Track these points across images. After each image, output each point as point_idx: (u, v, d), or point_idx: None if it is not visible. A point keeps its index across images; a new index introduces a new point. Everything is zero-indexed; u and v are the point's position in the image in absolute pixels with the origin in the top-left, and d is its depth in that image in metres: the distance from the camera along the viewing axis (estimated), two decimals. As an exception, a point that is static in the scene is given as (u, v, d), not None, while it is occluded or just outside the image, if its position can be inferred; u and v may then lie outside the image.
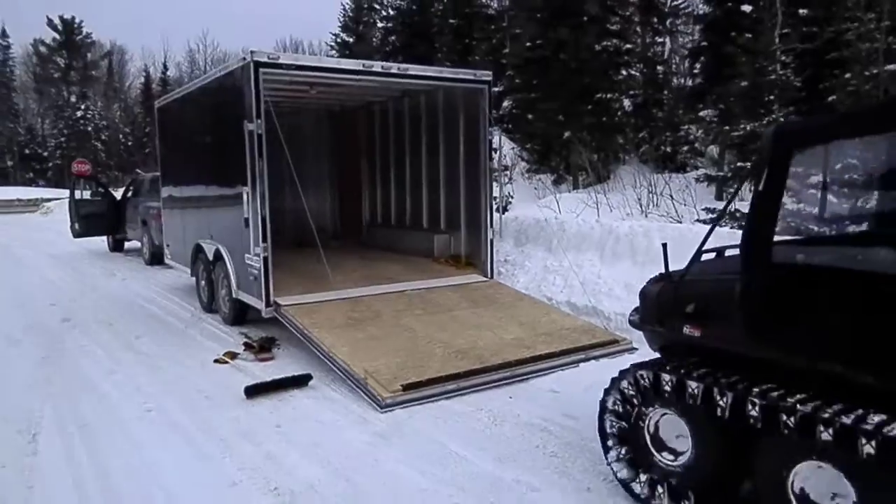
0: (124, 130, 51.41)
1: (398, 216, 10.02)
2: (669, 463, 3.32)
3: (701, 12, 15.17)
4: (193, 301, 8.52)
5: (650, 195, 11.68)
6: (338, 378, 5.35)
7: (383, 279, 7.64)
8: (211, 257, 7.74)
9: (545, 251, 8.56)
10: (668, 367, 3.29)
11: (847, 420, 2.49)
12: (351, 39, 23.24)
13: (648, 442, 3.41)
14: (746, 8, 12.97)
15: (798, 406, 2.67)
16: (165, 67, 54.01)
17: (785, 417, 2.69)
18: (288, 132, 11.39)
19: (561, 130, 14.52)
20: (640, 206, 11.56)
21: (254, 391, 5.08)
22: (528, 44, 15.32)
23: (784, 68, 11.95)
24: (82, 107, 49.30)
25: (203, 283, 8.16)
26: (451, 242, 8.71)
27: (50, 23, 51.56)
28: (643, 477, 3.40)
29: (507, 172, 15.08)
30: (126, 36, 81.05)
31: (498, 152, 11.82)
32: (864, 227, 3.16)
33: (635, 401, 3.46)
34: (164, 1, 72.39)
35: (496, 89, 19.43)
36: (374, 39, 23.18)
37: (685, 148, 15.21)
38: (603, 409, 3.61)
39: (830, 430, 2.53)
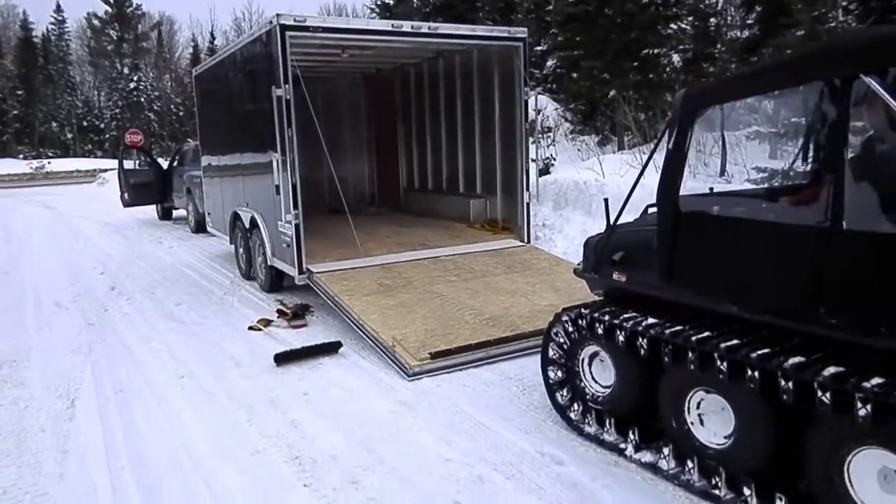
0: (175, 101, 52.42)
1: (434, 181, 9.88)
2: (600, 392, 3.78)
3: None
4: (233, 268, 8.64)
5: (698, 154, 11.15)
6: (368, 345, 5.33)
7: (417, 245, 7.56)
8: (247, 225, 7.79)
9: (584, 215, 8.31)
10: (596, 309, 3.70)
11: (734, 356, 2.88)
12: (391, 1, 22.86)
13: (581, 373, 3.88)
14: (806, -49, 12.09)
15: (695, 342, 3.06)
16: (213, 37, 54.59)
17: (687, 353, 3.09)
18: (324, 97, 11.46)
19: (606, 89, 13.95)
20: (688, 167, 11.07)
21: (283, 358, 5.10)
22: (570, -1, 14.74)
23: (846, 14, 11.11)
24: (135, 78, 50.40)
25: (241, 250, 8.25)
26: (488, 207, 8.54)
27: (101, -5, 52.54)
28: (577, 405, 3.87)
29: (550, 134, 14.65)
30: (174, 6, 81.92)
31: (539, 113, 11.49)
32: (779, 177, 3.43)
33: (573, 336, 3.90)
34: (209, -31, 72.68)
35: (539, 48, 18.84)
36: (415, 1, 22.74)
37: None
38: (547, 338, 4.04)
39: (724, 364, 2.92)
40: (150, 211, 15.50)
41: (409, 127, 10.33)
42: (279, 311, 6.33)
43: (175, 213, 14.92)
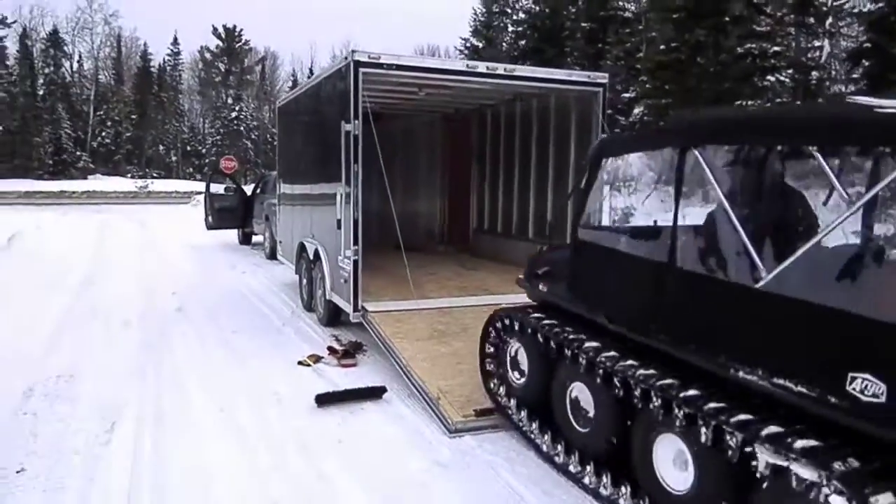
0: (272, 131, 55.07)
1: (504, 224, 9.64)
2: (516, 381, 4.52)
3: (865, 9, 13.41)
4: (296, 298, 8.66)
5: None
6: (414, 394, 5.09)
7: (479, 290, 7.31)
8: (312, 256, 7.80)
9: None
10: (519, 313, 4.45)
11: (599, 357, 3.60)
12: (480, 44, 23.17)
13: (508, 361, 4.61)
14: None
15: (575, 344, 3.80)
16: (311, 72, 57.24)
17: (567, 352, 3.87)
18: (402, 134, 11.55)
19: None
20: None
21: (325, 400, 4.93)
22: (661, 46, 14.34)
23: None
24: (237, 108, 53.46)
25: (305, 281, 8.25)
26: (557, 255, 8.19)
27: (214, 31, 56.37)
28: (502, 390, 4.63)
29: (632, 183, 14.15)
30: (279, 42, 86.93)
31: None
32: (639, 221, 4.22)
33: (502, 333, 4.67)
34: (311, 7, 76.75)
35: (626, 95, 18.45)
36: (504, 44, 22.95)
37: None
38: (484, 335, 4.81)
39: (584, 360, 3.72)
40: (233, 235, 16.02)
41: (483, 168, 10.20)
42: (330, 349, 6.20)
43: (254, 238, 15.35)
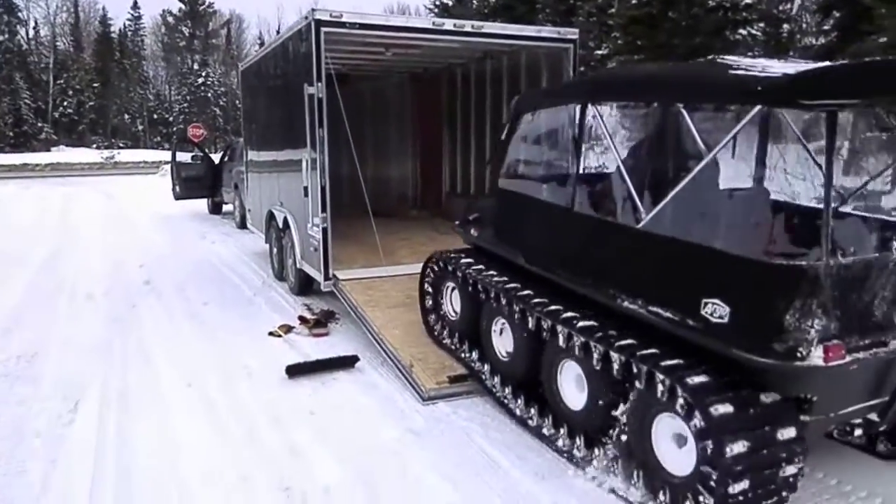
0: (240, 96, 53.77)
1: (478, 187, 9.48)
2: (453, 317, 5.02)
3: (838, -40, 13.28)
4: (268, 267, 8.49)
5: (804, 164, 10.42)
6: (387, 362, 5.02)
7: (452, 254, 7.20)
8: (281, 225, 7.61)
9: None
10: (452, 256, 4.90)
11: (515, 297, 4.05)
12: (450, 2, 22.64)
13: (444, 299, 5.10)
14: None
15: (496, 285, 4.27)
16: (279, 34, 55.69)
17: (490, 292, 4.35)
18: (371, 96, 11.25)
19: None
20: (788, 180, 10.34)
21: (296, 371, 4.84)
22: (633, 1, 14.11)
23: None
24: (203, 74, 51.96)
25: (275, 249, 8.08)
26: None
27: (176, -7, 54.36)
28: (439, 326, 5.14)
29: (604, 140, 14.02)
30: (244, 4, 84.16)
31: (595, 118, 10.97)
32: (549, 171, 4.23)
33: (438, 273, 5.13)
34: (279, -31, 74.38)
35: (600, 52, 18.22)
36: (474, 1, 22.44)
37: (810, 115, 13.56)
38: (422, 276, 5.24)
39: (504, 299, 4.17)
40: (202, 204, 15.66)
41: (455, 129, 9.98)
42: (301, 318, 6.09)
43: (225, 207, 15.02)
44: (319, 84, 5.87)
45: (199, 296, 7.32)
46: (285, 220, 7.38)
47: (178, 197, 14.72)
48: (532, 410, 3.94)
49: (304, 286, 7.13)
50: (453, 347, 4.90)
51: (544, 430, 3.84)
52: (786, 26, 15.25)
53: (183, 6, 54.81)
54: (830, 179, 2.70)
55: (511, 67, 8.17)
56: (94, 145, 45.65)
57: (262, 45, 54.78)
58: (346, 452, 3.72)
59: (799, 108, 2.97)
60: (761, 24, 14.08)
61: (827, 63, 3.09)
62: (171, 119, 53.42)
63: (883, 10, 9.94)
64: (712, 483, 2.74)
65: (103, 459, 3.66)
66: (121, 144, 46.79)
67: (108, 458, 3.69)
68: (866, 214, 3.63)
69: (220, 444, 3.83)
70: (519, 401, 4.07)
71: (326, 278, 6.20)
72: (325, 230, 6.12)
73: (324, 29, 5.84)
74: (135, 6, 54.71)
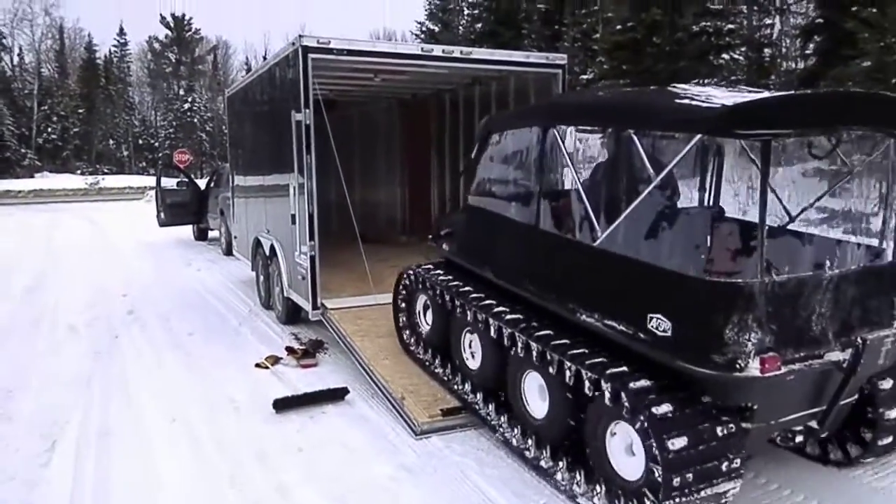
0: (226, 122, 53.71)
1: (467, 211, 9.43)
2: (425, 328, 5.23)
3: (818, -14, 13.55)
4: (254, 296, 8.34)
5: (749, 190, 10.48)
6: (377, 393, 4.88)
7: (443, 281, 7.10)
8: (268, 252, 7.49)
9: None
10: (423, 270, 5.15)
11: (480, 308, 4.28)
12: (437, 28, 22.80)
13: (417, 313, 5.30)
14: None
15: (463, 297, 4.50)
16: (266, 60, 55.89)
17: (458, 303, 4.57)
18: (359, 121, 11.22)
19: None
20: (738, 203, 10.36)
21: (283, 405, 4.69)
22: (618, 27, 14.25)
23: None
24: (189, 99, 51.88)
25: (262, 277, 7.94)
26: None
27: (163, 20, 54.53)
28: (413, 339, 5.34)
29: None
30: (231, 31, 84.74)
31: (582, 143, 11.00)
32: (515, 190, 4.36)
33: (411, 287, 5.35)
34: (266, -4, 74.90)
35: (585, 77, 18.38)
36: (461, 27, 22.62)
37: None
38: (396, 291, 5.51)
39: (470, 311, 4.40)
40: (188, 231, 15.47)
41: (443, 154, 9.95)
42: (288, 349, 5.95)
43: (211, 234, 14.85)
44: (307, 111, 5.81)
45: (183, 326, 7.15)
46: (272, 248, 7.26)
47: (162, 223, 14.53)
48: (502, 418, 4.12)
49: (292, 315, 6.99)
50: (425, 361, 5.08)
51: (514, 441, 3.96)
52: (767, 51, 15.47)
53: (169, 33, 54.93)
54: (765, 203, 2.85)
55: (500, 93, 8.16)
56: (79, 171, 45.21)
57: (248, 70, 54.93)
58: (335, 492, 3.57)
59: (735, 137, 3.12)
60: (743, 49, 14.28)
61: (763, 95, 3.25)
62: (156, 144, 53.14)
63: (865, 34, 10.08)
64: (658, 479, 2.92)
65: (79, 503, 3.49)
66: (105, 170, 46.39)
67: (85, 501, 3.51)
68: (806, 233, 3.86)
69: (205, 486, 3.66)
70: (490, 406, 4.26)
71: (315, 307, 6.07)
72: (312, 258, 6.00)
73: (311, 55, 5.79)
74: (121, 33, 54.65)
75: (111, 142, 52.93)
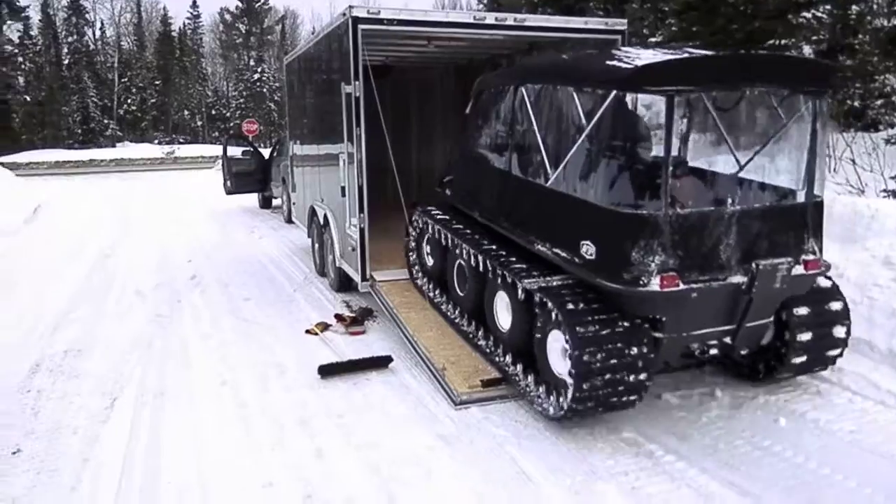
0: (285, 90, 54.52)
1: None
2: (430, 264, 5.91)
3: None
4: (310, 262, 8.51)
5: (827, 158, 9.83)
6: (420, 363, 4.92)
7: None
8: (322, 221, 7.60)
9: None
10: (426, 212, 5.85)
11: (465, 243, 5.02)
12: (500, -8, 22.29)
13: (423, 251, 6.00)
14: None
15: (454, 234, 5.24)
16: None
17: (451, 239, 5.32)
18: (417, 87, 11.13)
19: (724, 84, 12.73)
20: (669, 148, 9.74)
21: (328, 371, 4.79)
22: (689, -15, 13.49)
23: None
24: (259, 70, 52.97)
25: (317, 245, 8.08)
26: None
27: (233, -9, 55.51)
28: (421, 276, 6.03)
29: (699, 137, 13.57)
30: (299, 1, 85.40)
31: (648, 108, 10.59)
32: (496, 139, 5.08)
33: (420, 228, 6.03)
34: (333, -36, 74.97)
35: (653, 40, 17.57)
36: (525, -10, 22.01)
37: (879, 102, 12.66)
38: (406, 232, 6.22)
39: (460, 243, 5.13)
40: (253, 199, 15.92)
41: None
42: (337, 316, 6.05)
43: (274, 202, 15.23)
44: (357, 83, 5.78)
45: (241, 291, 7.38)
46: (325, 217, 7.36)
47: (229, 191, 14.98)
48: (479, 332, 4.90)
49: (344, 283, 7.09)
50: (425, 288, 5.88)
51: (486, 349, 4.72)
52: (854, 7, 14.31)
53: (240, 3, 55.97)
54: (669, 148, 3.46)
55: (556, 59, 7.90)
56: (156, 141, 47.17)
57: (315, 40, 55.55)
58: (373, 459, 3.63)
59: (643, 92, 3.65)
60: (827, 6, 13.26)
61: (671, 56, 3.80)
62: (228, 115, 54.66)
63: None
64: (581, 369, 3.57)
65: (132, 461, 3.69)
66: (181, 140, 48.17)
67: (137, 459, 3.71)
68: (719, 174, 4.40)
69: (248, 448, 3.80)
70: (473, 324, 5.00)
71: (364, 279, 6.14)
72: (362, 231, 6.04)
73: (361, 26, 5.73)
74: (194, 5, 56.12)
75: (186, 112, 54.80)
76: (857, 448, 3.65)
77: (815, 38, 12.89)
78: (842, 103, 12.86)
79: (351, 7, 5.78)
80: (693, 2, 13.37)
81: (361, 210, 6.02)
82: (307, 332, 5.83)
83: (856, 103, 12.83)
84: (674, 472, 3.45)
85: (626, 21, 6.88)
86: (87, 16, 51.28)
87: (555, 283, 3.95)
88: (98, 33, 53.17)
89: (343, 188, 6.19)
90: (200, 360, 5.27)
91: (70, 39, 49.09)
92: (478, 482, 3.38)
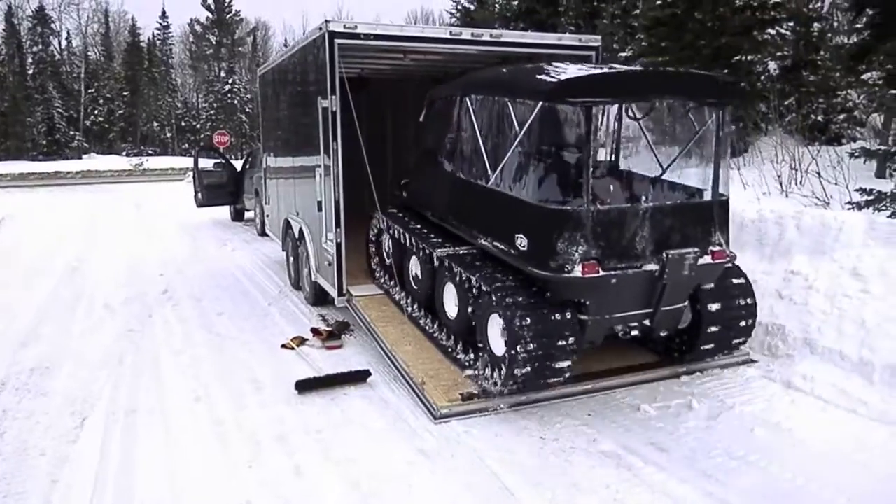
0: (258, 101, 54.09)
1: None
2: (387, 261, 6.29)
3: (872, -44, 12.76)
4: (285, 276, 8.42)
5: (793, 171, 10.04)
6: (399, 377, 4.88)
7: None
8: (297, 234, 7.53)
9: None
10: (385, 213, 6.23)
11: (417, 240, 5.52)
12: (472, 6, 22.44)
13: (383, 251, 6.39)
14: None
15: (408, 233, 5.70)
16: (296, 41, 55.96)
17: (406, 237, 5.78)
18: (392, 99, 11.13)
19: (693, 99, 12.99)
20: (780, 185, 9.95)
21: (306, 386, 4.73)
22: (657, 2, 13.74)
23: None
24: (230, 81, 52.50)
25: (291, 258, 8.00)
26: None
27: (204, 2, 55.04)
28: (380, 272, 6.48)
29: (631, 144, 13.74)
30: (270, 12, 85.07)
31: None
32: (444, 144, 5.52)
33: (378, 229, 6.44)
34: (305, -24, 74.86)
35: (623, 55, 17.88)
36: (497, 5, 22.21)
37: (841, 116, 13.05)
38: (367, 234, 6.76)
39: (413, 243, 5.65)
40: (225, 211, 15.72)
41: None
42: (313, 330, 5.99)
43: (247, 214, 15.05)
44: (334, 97, 5.76)
45: (214, 306, 7.27)
46: (301, 231, 7.30)
47: (200, 204, 14.78)
48: (431, 322, 5.34)
49: (320, 297, 7.03)
50: (384, 283, 6.35)
51: (435, 335, 5.18)
52: (816, 25, 14.74)
53: (210, 15, 55.51)
54: (589, 152, 3.96)
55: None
56: (124, 153, 46.36)
57: (287, 52, 55.25)
58: (352, 475, 3.59)
59: (565, 104, 4.15)
60: (791, 24, 13.63)
61: (591, 72, 4.36)
62: (198, 126, 54.04)
63: (920, 7, 9.52)
64: (513, 352, 4.05)
65: (104, 483, 3.59)
66: (149, 152, 47.41)
67: (109, 480, 3.61)
68: (637, 174, 5.00)
69: (224, 466, 3.72)
70: (427, 317, 5.43)
71: (341, 294, 6.09)
72: (339, 245, 6.00)
73: (338, 40, 5.72)
74: (163, 16, 55.54)
75: (155, 124, 53.99)
76: (830, 457, 3.71)
77: (779, 54, 13.25)
78: (806, 117, 13.24)
79: (327, 21, 5.78)
80: (662, 18, 13.64)
81: (338, 224, 5.98)
82: (283, 346, 5.75)
83: (819, 118, 13.21)
84: (654, 484, 3.47)
85: (599, 38, 6.99)
86: (52, 25, 50.34)
87: (497, 275, 4.43)
88: (64, 43, 52.20)
89: (319, 203, 6.15)
90: (173, 376, 5.16)
91: (35, 49, 48.10)
92: (459, 497, 3.36)
